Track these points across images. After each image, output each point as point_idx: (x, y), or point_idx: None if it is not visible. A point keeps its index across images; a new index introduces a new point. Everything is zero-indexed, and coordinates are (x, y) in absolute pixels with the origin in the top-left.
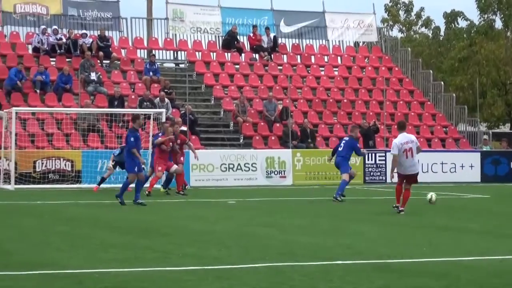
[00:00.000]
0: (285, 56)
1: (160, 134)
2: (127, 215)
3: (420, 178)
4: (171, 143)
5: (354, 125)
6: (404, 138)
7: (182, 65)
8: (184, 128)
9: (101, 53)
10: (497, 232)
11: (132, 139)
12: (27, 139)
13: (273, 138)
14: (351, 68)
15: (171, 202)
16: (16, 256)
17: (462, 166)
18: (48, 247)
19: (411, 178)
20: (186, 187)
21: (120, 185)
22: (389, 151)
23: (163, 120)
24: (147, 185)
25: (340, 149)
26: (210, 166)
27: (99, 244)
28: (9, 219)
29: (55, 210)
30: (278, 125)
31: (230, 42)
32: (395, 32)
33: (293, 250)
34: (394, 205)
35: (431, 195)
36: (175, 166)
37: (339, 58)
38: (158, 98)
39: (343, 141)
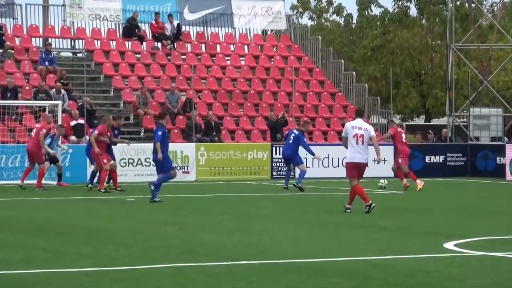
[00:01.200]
0: (189, 45)
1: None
2: (20, 213)
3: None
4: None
5: (306, 120)
6: (357, 123)
7: (79, 55)
8: (81, 121)
9: None
10: (411, 229)
11: (160, 133)
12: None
13: (175, 131)
14: (258, 58)
15: (66, 200)
16: None
17: (374, 161)
18: None
19: (359, 168)
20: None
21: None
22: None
23: (59, 112)
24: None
25: (290, 141)
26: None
27: None
28: None
29: None
30: (181, 117)
31: (130, 30)
32: (305, 20)
33: (196, 249)
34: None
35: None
36: (112, 161)
37: (246, 47)
38: (54, 89)
39: (292, 134)
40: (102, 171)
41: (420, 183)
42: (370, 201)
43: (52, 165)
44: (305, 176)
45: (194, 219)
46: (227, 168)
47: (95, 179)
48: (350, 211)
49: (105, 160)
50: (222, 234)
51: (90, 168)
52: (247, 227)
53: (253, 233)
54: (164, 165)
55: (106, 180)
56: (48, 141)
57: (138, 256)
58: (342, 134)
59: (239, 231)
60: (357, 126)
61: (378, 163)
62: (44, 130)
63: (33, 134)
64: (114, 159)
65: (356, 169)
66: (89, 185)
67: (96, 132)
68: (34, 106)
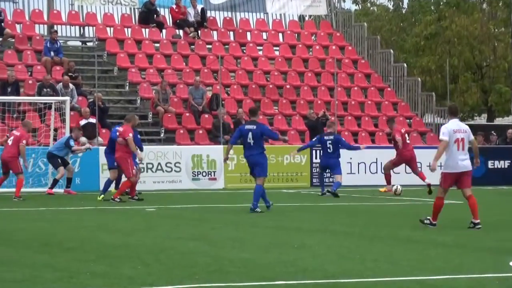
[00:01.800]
0: (215, 33)
1: (117, 127)
2: (24, 226)
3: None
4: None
5: (332, 120)
6: (456, 126)
7: (90, 44)
8: (92, 120)
9: None
10: (472, 245)
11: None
12: None
13: (200, 131)
14: (295, 48)
15: (76, 210)
16: None
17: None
18: None
19: (466, 177)
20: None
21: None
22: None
23: (67, 110)
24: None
25: (329, 150)
26: None
27: None
28: None
29: None
30: (206, 116)
31: (148, 15)
32: (348, 4)
33: (225, 267)
34: (426, 219)
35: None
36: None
37: (280, 35)
38: (60, 84)
39: (329, 141)
40: (127, 181)
41: (388, 188)
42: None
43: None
44: (349, 184)
45: (223, 233)
46: None
47: (111, 188)
48: (434, 227)
49: (134, 171)
50: (256, 250)
51: (104, 175)
52: (284, 241)
53: (291, 249)
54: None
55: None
56: (63, 152)
57: (159, 275)
58: (442, 137)
59: (275, 247)
60: (458, 129)
61: (476, 167)
62: (25, 141)
63: (9, 142)
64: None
65: (456, 179)
66: (102, 195)
67: (131, 134)
68: (38, 102)
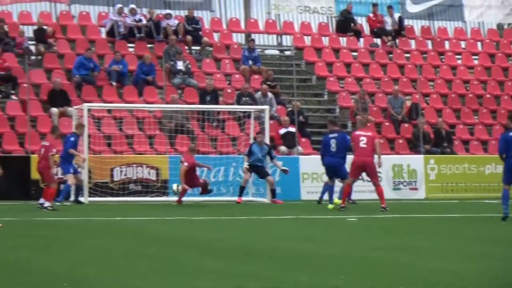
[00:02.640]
0: (413, 42)
1: None
2: (224, 235)
3: None
4: None
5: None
6: None
7: (287, 52)
8: (292, 129)
9: (189, 38)
10: None
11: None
12: (102, 142)
13: (400, 141)
14: (494, 56)
15: (275, 219)
16: (94, 282)
17: None
18: (132, 273)
19: None
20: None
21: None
22: None
23: (266, 118)
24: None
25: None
26: (324, 176)
27: (194, 270)
28: (84, 238)
29: (138, 228)
30: (406, 125)
31: (345, 24)
32: None
33: (429, 279)
34: None
35: None
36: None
37: (479, 43)
38: (259, 92)
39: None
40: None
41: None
42: None
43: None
44: None
45: (425, 243)
46: (462, 184)
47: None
48: None
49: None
50: (461, 261)
51: (304, 184)
52: (489, 253)
53: (498, 261)
54: None
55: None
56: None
57: (362, 285)
58: None
59: (481, 258)
60: None
61: None
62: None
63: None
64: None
65: None
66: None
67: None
68: (238, 111)
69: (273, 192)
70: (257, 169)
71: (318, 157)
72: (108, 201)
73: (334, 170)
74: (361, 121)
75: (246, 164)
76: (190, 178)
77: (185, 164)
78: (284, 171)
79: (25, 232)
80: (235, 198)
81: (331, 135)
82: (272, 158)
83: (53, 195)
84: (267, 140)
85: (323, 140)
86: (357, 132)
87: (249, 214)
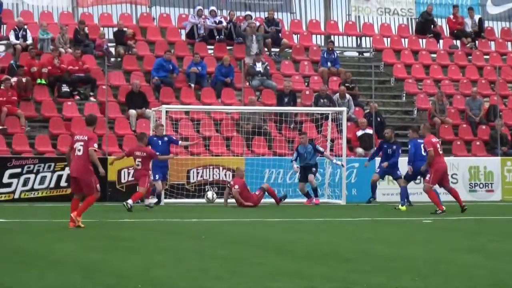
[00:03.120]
0: (492, 43)
1: None
2: (302, 236)
3: None
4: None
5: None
6: None
7: (366, 54)
8: (369, 130)
9: (268, 40)
10: None
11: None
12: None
13: (477, 143)
14: None
15: (352, 221)
16: (168, 284)
17: None
18: (205, 274)
19: None
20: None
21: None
22: None
23: (344, 120)
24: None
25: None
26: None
27: (267, 272)
28: (159, 240)
29: (214, 229)
30: (484, 127)
31: (425, 26)
32: None
33: (506, 281)
34: None
35: None
36: None
37: None
38: (337, 94)
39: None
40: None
41: None
42: None
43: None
44: None
45: (501, 245)
46: None
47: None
48: None
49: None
50: None
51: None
52: None
53: None
54: None
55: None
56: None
57: (437, 287)
58: None
59: None
60: None
61: None
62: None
63: (79, 152)
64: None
65: None
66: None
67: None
68: (315, 113)
69: (314, 191)
70: (306, 170)
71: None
72: (184, 203)
73: (423, 174)
74: (428, 128)
75: (295, 167)
76: (244, 197)
77: (236, 187)
78: (338, 164)
79: (100, 233)
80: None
81: (419, 140)
82: (321, 152)
83: (138, 197)
84: (344, 142)
85: (413, 144)
86: (433, 139)
87: (323, 216)
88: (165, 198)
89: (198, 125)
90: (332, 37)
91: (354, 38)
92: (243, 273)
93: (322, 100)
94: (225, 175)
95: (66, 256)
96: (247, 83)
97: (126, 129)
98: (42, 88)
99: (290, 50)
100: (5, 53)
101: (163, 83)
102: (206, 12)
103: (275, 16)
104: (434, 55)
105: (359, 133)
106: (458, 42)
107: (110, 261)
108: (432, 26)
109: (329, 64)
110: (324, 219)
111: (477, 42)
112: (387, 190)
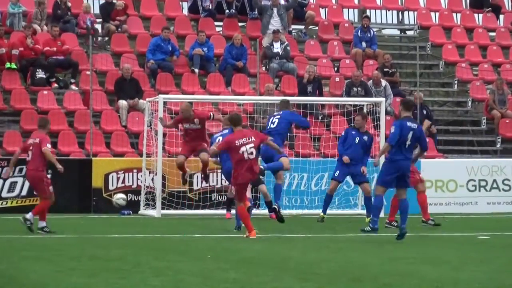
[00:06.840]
0: None
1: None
2: (324, 255)
3: None
4: None
5: None
6: None
7: (410, 33)
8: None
9: (289, 14)
10: None
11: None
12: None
13: None
14: None
15: (386, 237)
16: None
17: None
18: None
19: None
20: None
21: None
22: None
23: (382, 113)
24: None
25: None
26: (451, 184)
27: None
28: (153, 259)
29: (222, 247)
30: None
31: None
32: None
33: None
34: None
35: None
36: None
37: None
38: (370, 81)
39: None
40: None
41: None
42: None
43: None
44: None
45: None
46: None
47: None
48: None
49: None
50: None
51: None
52: None
53: None
54: None
55: None
56: None
57: None
58: None
59: None
60: None
61: None
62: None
63: (28, 157)
64: None
65: None
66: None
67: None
68: (347, 104)
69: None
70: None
71: (443, 160)
72: (185, 214)
73: None
74: None
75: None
76: None
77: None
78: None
79: (83, 252)
80: (345, 211)
81: None
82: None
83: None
84: (381, 140)
85: None
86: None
87: (354, 231)
88: (163, 209)
89: None
90: (368, 11)
91: (394, 12)
92: None
93: (355, 89)
94: None
95: (42, 279)
96: (263, 68)
97: (114, 124)
98: (12, 74)
99: (316, 28)
100: None
101: (161, 67)
102: None
103: None
104: (493, 34)
105: None
106: None
107: (95, 285)
108: None
109: (364, 44)
110: (355, 234)
111: None
112: (435, 199)
